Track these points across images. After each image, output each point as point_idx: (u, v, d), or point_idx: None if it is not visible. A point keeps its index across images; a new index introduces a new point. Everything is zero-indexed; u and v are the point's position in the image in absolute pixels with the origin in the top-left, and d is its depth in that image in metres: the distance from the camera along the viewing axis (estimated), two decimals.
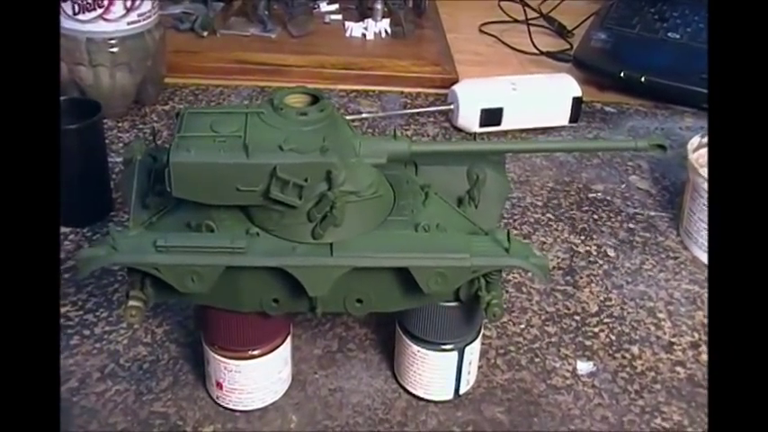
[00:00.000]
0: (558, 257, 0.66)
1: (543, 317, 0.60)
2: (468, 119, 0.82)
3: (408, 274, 0.45)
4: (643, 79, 0.91)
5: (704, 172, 0.66)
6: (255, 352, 0.49)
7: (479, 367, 0.54)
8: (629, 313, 0.61)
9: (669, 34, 0.99)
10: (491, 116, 0.82)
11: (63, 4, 0.74)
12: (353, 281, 0.46)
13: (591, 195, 0.75)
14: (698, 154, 0.70)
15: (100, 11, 0.74)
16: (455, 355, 0.50)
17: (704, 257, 0.67)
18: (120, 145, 0.76)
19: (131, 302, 0.44)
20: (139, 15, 0.77)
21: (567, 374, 0.55)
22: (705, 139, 0.71)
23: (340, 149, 0.45)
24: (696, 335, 0.59)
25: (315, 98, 0.48)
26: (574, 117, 0.85)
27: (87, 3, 0.74)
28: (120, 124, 0.79)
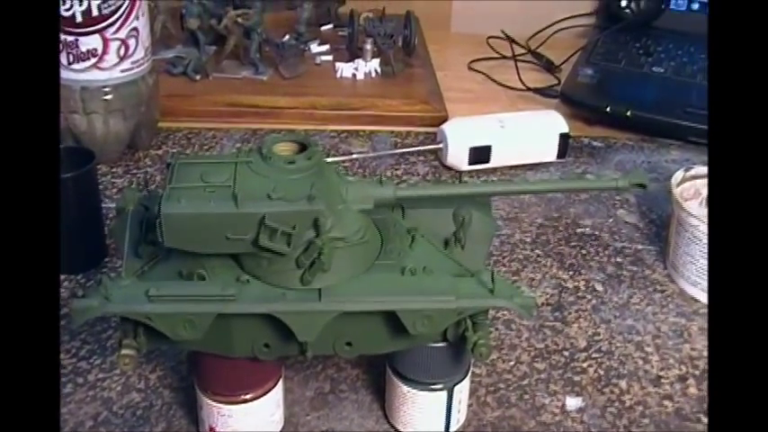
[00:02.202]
0: (547, 293, 0.67)
1: (532, 353, 0.61)
2: (457, 157, 0.84)
3: (396, 317, 0.46)
4: (629, 113, 0.93)
5: (688, 206, 0.67)
6: (247, 396, 0.49)
7: (469, 405, 0.55)
8: (617, 348, 0.62)
9: (654, 68, 1.01)
10: (480, 154, 0.83)
11: None
12: (342, 324, 0.47)
13: (579, 230, 0.76)
14: (682, 188, 0.71)
15: (94, 60, 0.76)
16: (444, 394, 0.51)
17: (690, 290, 0.68)
18: (115, 190, 0.77)
19: (124, 351, 0.45)
20: (133, 63, 0.78)
21: (557, 411, 0.56)
22: (689, 173, 0.72)
23: (327, 197, 0.46)
24: (684, 368, 0.60)
25: (303, 146, 0.49)
26: (561, 153, 0.86)
27: (81, 53, 0.75)
28: (114, 170, 0.81)
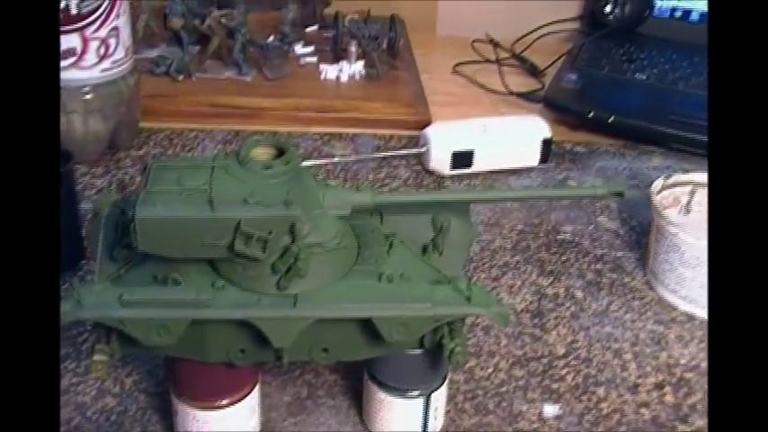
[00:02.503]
0: (527, 300, 0.67)
1: (511, 360, 0.61)
2: (440, 161, 0.83)
3: (372, 324, 0.46)
4: (611, 119, 0.93)
5: (667, 214, 0.68)
6: (223, 402, 0.49)
7: (447, 412, 0.55)
8: (595, 355, 0.62)
9: (636, 75, 1.01)
10: (462, 159, 0.83)
11: None
12: (318, 331, 0.47)
13: (559, 237, 0.76)
14: (661, 196, 0.71)
15: (73, 59, 0.75)
16: (421, 401, 0.51)
17: (669, 298, 0.68)
18: (94, 191, 0.77)
19: (96, 356, 0.45)
20: (113, 63, 0.78)
21: (534, 418, 0.56)
22: (669, 181, 0.72)
23: (304, 202, 0.46)
24: (660, 376, 0.60)
25: (280, 150, 0.49)
26: (543, 158, 0.86)
27: (60, 51, 0.74)
28: (93, 170, 0.80)
